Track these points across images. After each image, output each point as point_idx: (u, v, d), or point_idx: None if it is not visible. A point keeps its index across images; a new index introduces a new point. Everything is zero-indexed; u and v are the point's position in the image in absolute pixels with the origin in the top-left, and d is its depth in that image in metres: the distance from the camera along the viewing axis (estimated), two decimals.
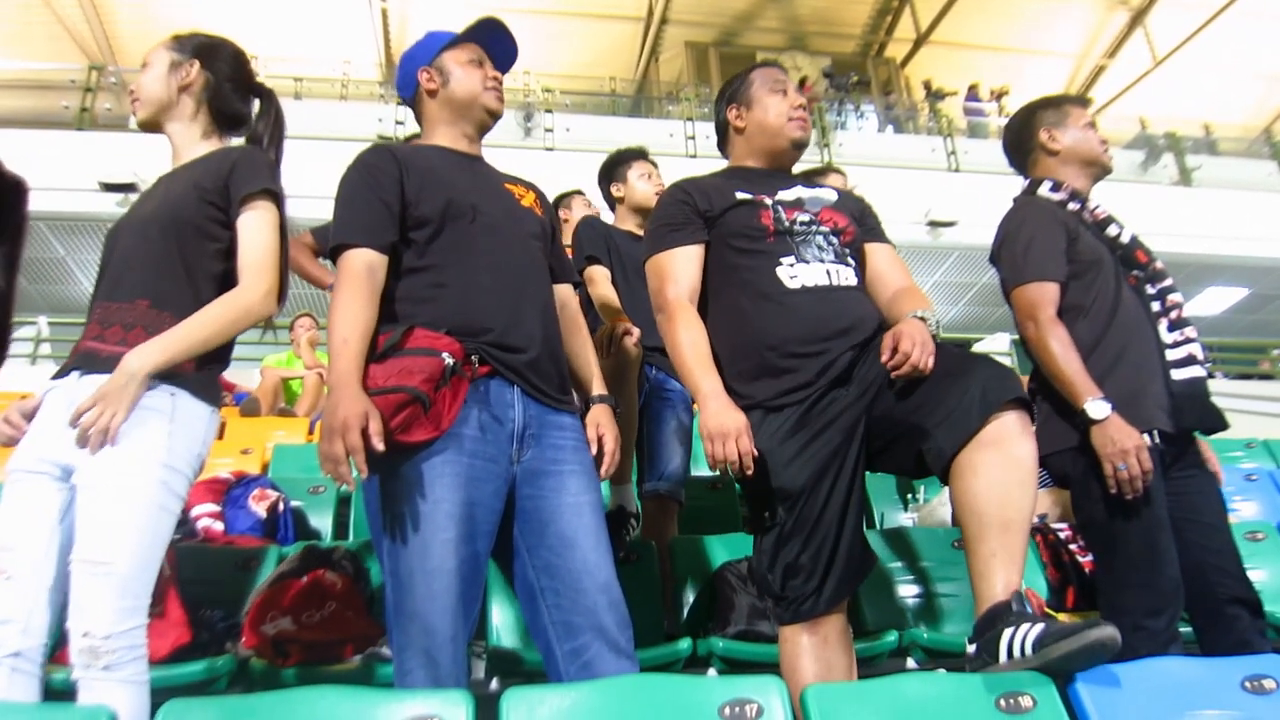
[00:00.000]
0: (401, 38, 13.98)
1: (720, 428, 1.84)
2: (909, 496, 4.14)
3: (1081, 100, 2.57)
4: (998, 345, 10.09)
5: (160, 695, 1.60)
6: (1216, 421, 2.27)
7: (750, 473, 1.83)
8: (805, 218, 2.10)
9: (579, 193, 3.85)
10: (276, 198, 1.90)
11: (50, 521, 1.69)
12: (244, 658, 2.33)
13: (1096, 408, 2.11)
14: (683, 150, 10.56)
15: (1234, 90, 15.63)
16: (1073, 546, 3.18)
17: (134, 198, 2.07)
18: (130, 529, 1.63)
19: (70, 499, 1.70)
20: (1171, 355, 2.27)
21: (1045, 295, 2.24)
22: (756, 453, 1.85)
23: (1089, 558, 3.15)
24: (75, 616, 1.59)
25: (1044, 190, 2.43)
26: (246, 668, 2.31)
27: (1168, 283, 2.35)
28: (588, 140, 9.79)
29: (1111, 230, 2.39)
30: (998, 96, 14.29)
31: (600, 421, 2.02)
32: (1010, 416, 1.74)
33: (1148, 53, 15.31)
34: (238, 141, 2.07)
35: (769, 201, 2.10)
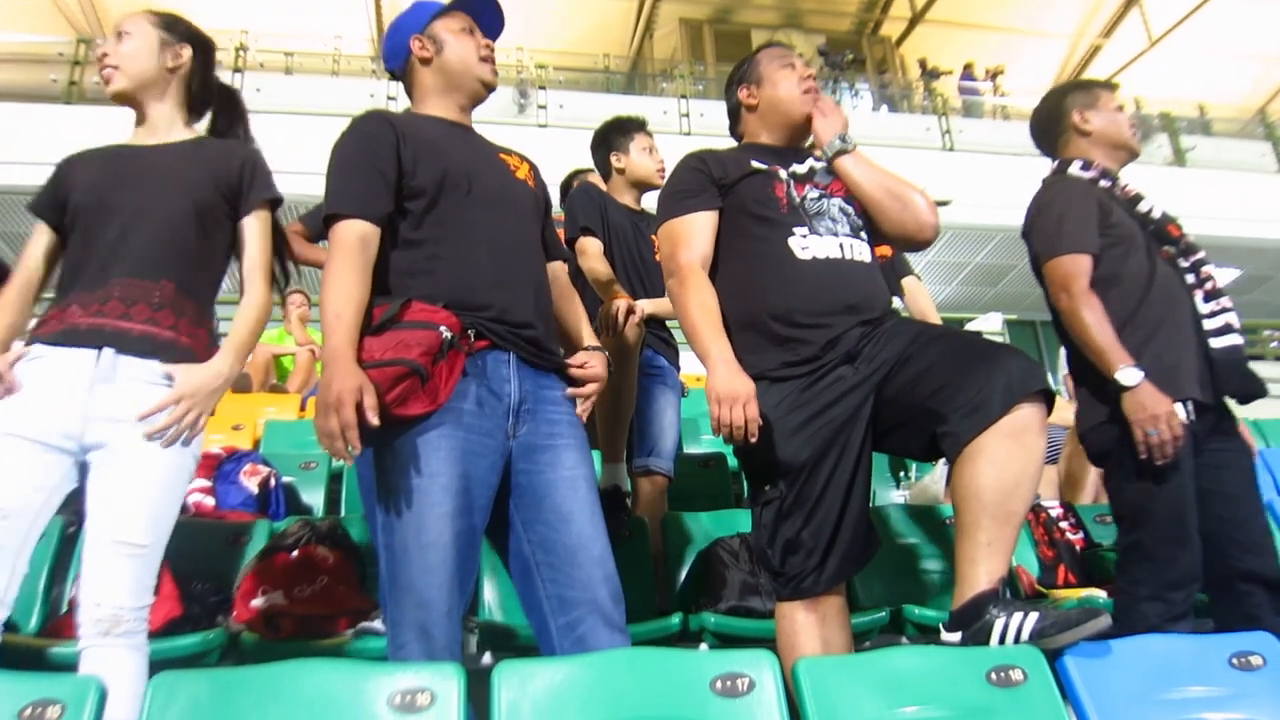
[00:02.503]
0: (393, 13, 13.84)
1: (730, 392, 1.83)
2: (901, 474, 4.16)
3: (1110, 85, 2.60)
4: (991, 325, 10.11)
5: (151, 668, 1.62)
6: (1257, 388, 2.30)
7: (754, 440, 1.82)
8: (816, 192, 2.10)
9: (591, 171, 3.75)
10: (276, 206, 2.03)
11: (46, 496, 1.72)
12: (235, 631, 2.33)
13: (1128, 374, 2.13)
14: (677, 128, 10.51)
15: (1229, 71, 15.59)
16: (1064, 525, 3.20)
17: None
18: (165, 516, 1.77)
19: (71, 474, 1.74)
20: (1209, 325, 2.28)
21: (1079, 267, 2.26)
22: (761, 421, 1.84)
23: (1080, 535, 3.18)
24: (101, 591, 1.68)
25: (1075, 169, 2.45)
26: (238, 641, 2.30)
27: (1200, 255, 2.37)
28: (582, 117, 9.71)
29: (1142, 206, 2.41)
30: (993, 76, 14.24)
31: (591, 359, 2.00)
32: (1030, 409, 1.74)
33: (1143, 33, 15.27)
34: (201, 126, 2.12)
35: (783, 174, 2.10)
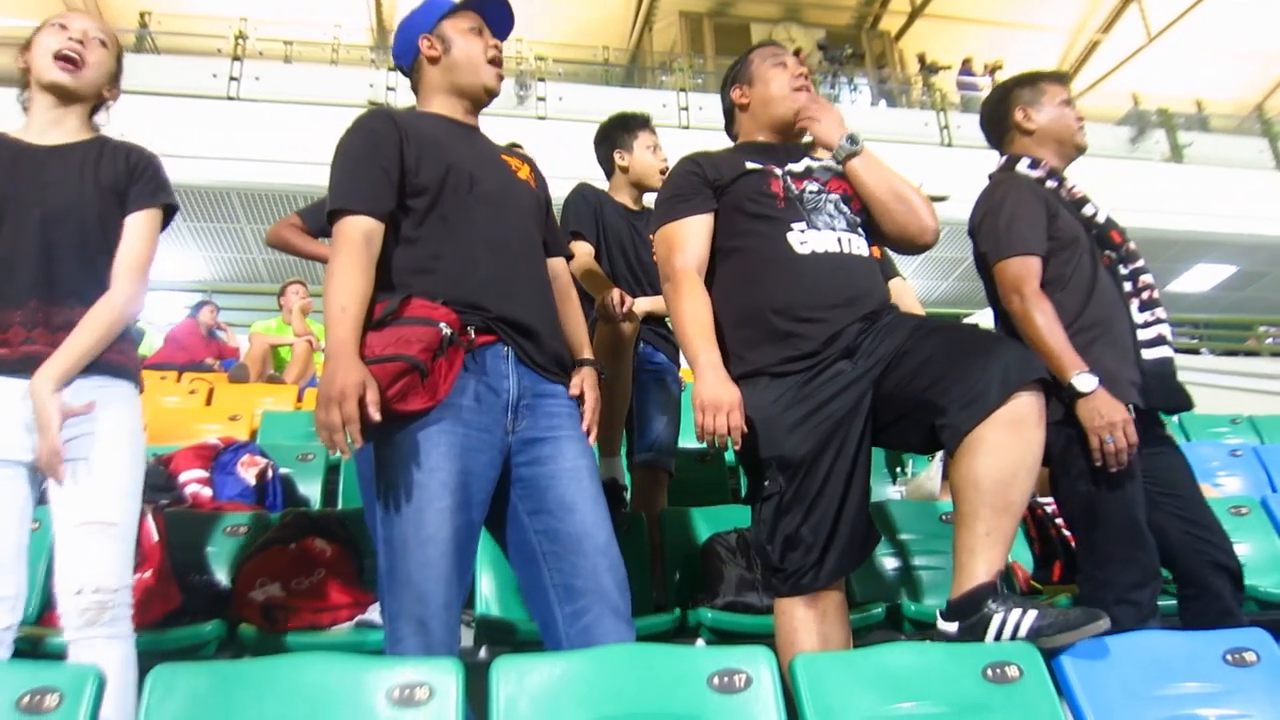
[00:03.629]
0: (393, 2, 13.82)
1: (715, 400, 1.84)
2: (897, 469, 4.16)
3: (1059, 77, 2.55)
4: (985, 321, 10.11)
5: (149, 659, 1.61)
6: (1183, 401, 2.31)
7: (738, 448, 1.83)
8: (814, 187, 2.10)
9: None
10: (169, 213, 2.01)
11: (22, 506, 1.79)
12: (233, 623, 2.33)
13: (1084, 380, 2.11)
14: (676, 121, 10.50)
15: (1226, 67, 15.58)
16: (1058, 521, 3.20)
17: None
18: (131, 491, 1.82)
19: (35, 481, 1.82)
20: (1142, 335, 2.29)
21: (1029, 269, 2.24)
22: (746, 429, 1.84)
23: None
24: (80, 576, 1.71)
25: (1022, 167, 2.42)
26: (235, 633, 2.31)
27: (1140, 263, 2.37)
28: (581, 110, 9.73)
29: (1088, 210, 2.39)
30: (991, 71, 14.19)
31: (585, 381, 2.01)
32: (1029, 398, 1.74)
33: (1142, 28, 15.26)
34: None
35: (779, 171, 2.10)
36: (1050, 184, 2.39)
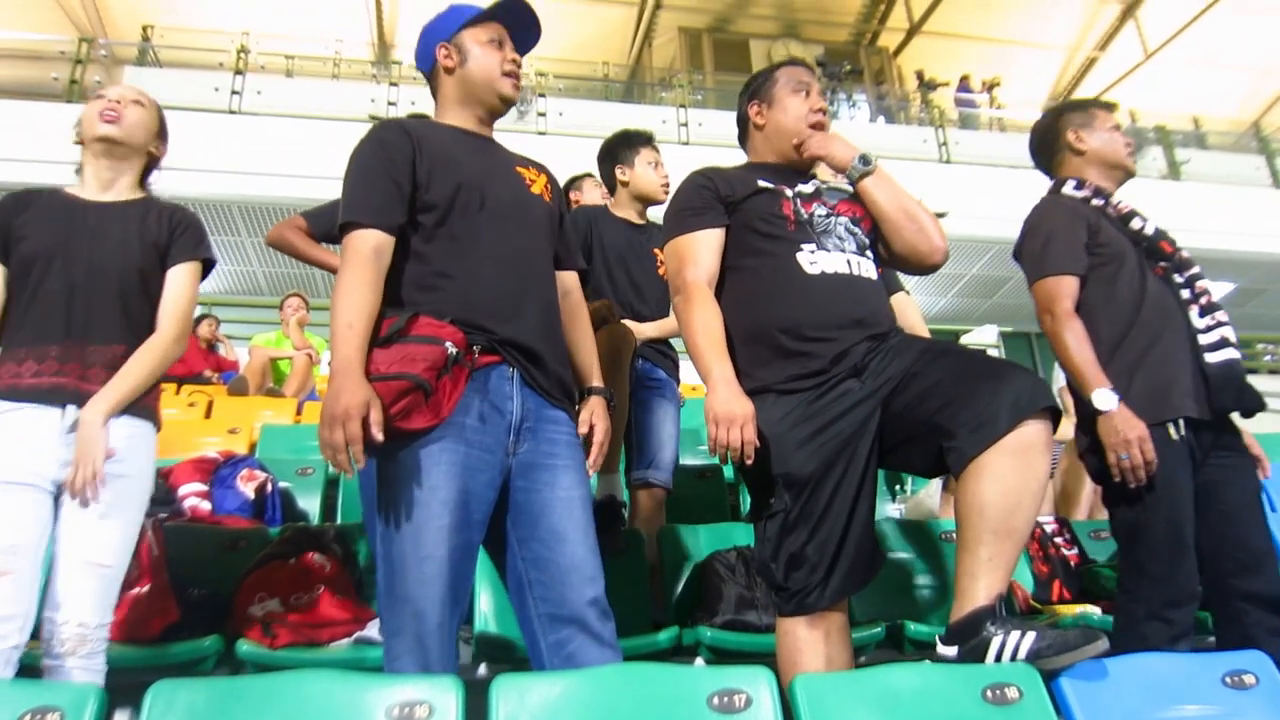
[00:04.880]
0: (394, 17, 13.87)
1: (728, 413, 1.83)
2: (897, 488, 4.16)
3: (1108, 105, 2.62)
4: (986, 337, 10.13)
5: (148, 675, 1.61)
6: (1254, 402, 2.30)
7: (750, 462, 1.83)
8: (823, 210, 2.10)
9: (589, 175, 3.75)
10: (208, 267, 2.21)
11: (44, 529, 1.90)
12: (231, 639, 2.33)
13: (1103, 398, 2.16)
14: (675, 137, 10.52)
15: (1223, 84, 15.66)
16: (1059, 540, 3.20)
17: None
18: (129, 541, 1.98)
19: (52, 509, 1.93)
20: (1204, 340, 2.29)
21: (1062, 289, 2.30)
22: (759, 443, 1.84)
23: (1074, 551, 3.19)
24: (69, 609, 1.85)
25: (1068, 188, 2.48)
26: (234, 649, 2.30)
27: (1195, 270, 2.39)
28: (581, 125, 9.75)
29: (1135, 224, 2.42)
30: (989, 88, 14.27)
31: (594, 412, 2.01)
32: (1036, 426, 1.74)
33: (1139, 46, 15.34)
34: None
35: (789, 193, 2.10)
36: (1096, 202, 2.43)
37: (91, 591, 1.87)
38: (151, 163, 2.26)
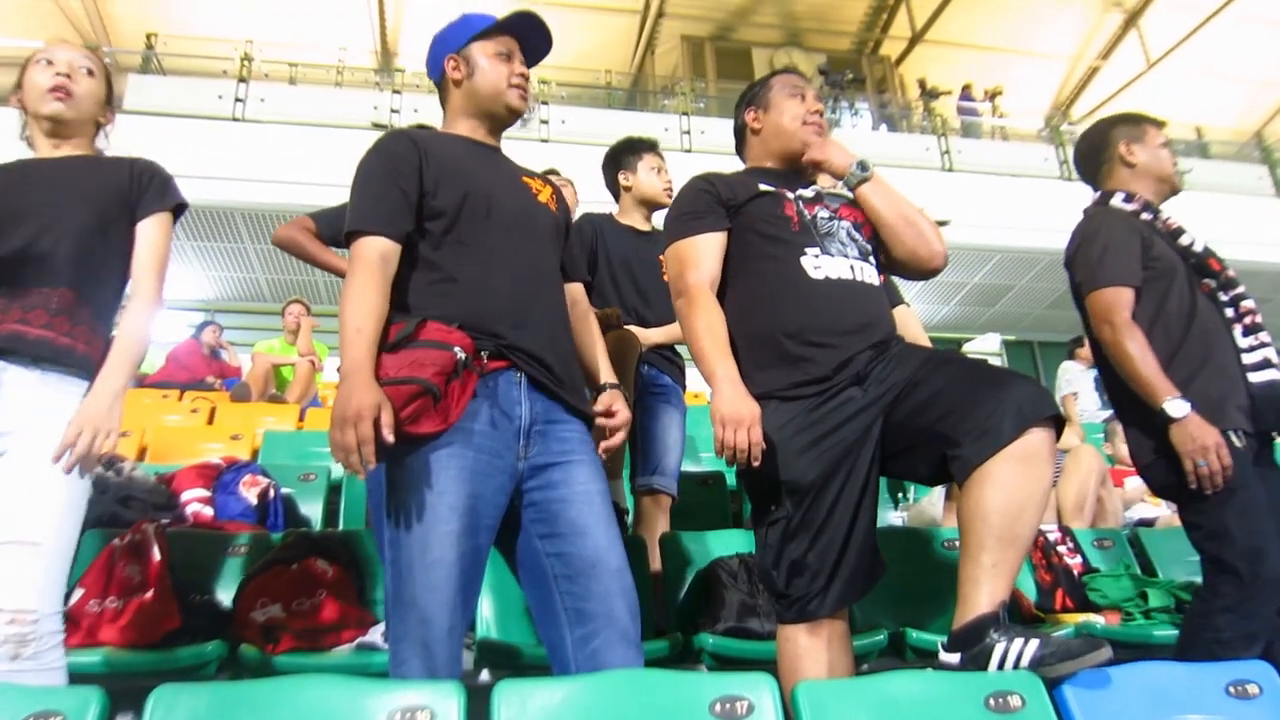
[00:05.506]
0: (398, 26, 13.90)
1: (735, 414, 1.83)
2: (899, 495, 4.15)
3: (1157, 122, 2.63)
4: (988, 345, 10.13)
5: (150, 680, 1.61)
6: None
7: (757, 464, 1.82)
8: (825, 214, 2.11)
9: (555, 172, 3.72)
10: (179, 212, 2.06)
11: None
12: (234, 644, 2.33)
13: (1175, 406, 2.16)
14: (678, 145, 10.54)
15: (1226, 94, 15.66)
16: (1062, 549, 3.20)
17: None
18: (60, 512, 1.72)
19: None
20: (1248, 359, 2.29)
21: (1121, 299, 2.29)
22: (765, 445, 1.84)
23: (1078, 560, 3.18)
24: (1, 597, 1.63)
25: (1117, 201, 2.47)
26: (236, 654, 2.30)
27: (1240, 289, 2.39)
28: (583, 133, 9.76)
29: (1184, 240, 2.42)
30: (991, 97, 14.29)
31: (614, 402, 2.02)
32: (1041, 435, 1.75)
33: (1141, 55, 15.35)
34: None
35: (791, 195, 2.11)
36: (1146, 216, 2.43)
37: (24, 574, 1.64)
38: (98, 129, 2.14)
